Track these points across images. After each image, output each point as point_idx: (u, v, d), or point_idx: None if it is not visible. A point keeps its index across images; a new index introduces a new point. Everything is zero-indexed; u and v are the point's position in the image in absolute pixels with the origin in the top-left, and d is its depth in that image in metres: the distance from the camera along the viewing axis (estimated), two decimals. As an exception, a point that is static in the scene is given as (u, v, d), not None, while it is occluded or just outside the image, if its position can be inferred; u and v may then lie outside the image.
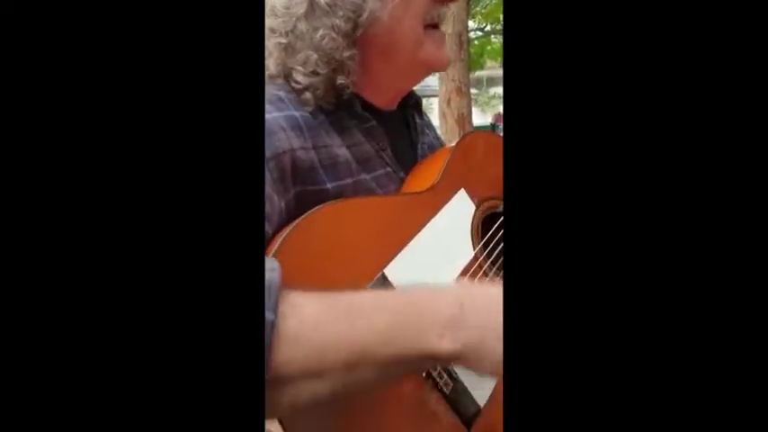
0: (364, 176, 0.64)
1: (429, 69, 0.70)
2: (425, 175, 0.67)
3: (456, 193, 0.65)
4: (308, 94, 0.62)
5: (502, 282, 0.56)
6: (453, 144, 0.73)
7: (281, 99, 0.61)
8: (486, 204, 0.70)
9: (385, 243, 0.55)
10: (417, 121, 0.79)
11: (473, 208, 0.67)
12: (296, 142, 0.57)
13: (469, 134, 0.74)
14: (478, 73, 13.34)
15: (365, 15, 0.60)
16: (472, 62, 6.69)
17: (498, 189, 0.72)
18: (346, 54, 0.61)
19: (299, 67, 0.62)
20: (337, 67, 0.61)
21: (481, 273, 0.65)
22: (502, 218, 0.69)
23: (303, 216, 0.52)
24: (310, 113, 0.62)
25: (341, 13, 0.60)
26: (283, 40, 0.62)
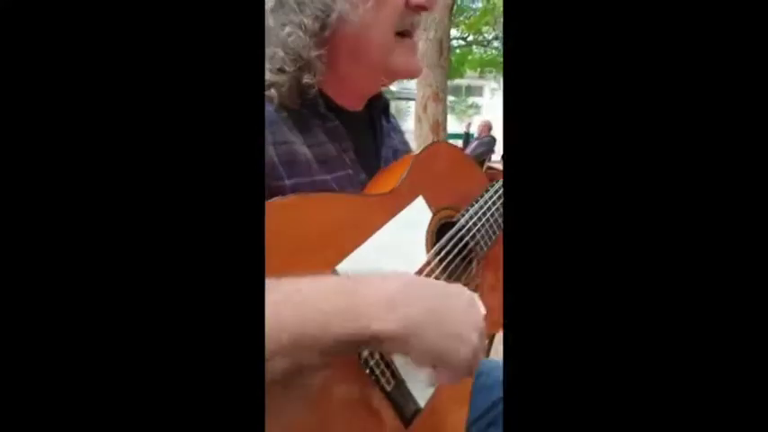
0: (324, 176, 0.64)
1: (398, 76, 0.71)
2: (387, 180, 0.69)
3: (415, 199, 0.68)
4: (272, 91, 0.62)
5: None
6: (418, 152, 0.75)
7: None
8: (443, 213, 0.72)
9: (340, 241, 0.57)
10: (384, 123, 0.80)
11: (430, 215, 0.69)
12: None
13: (434, 144, 0.76)
14: (458, 81, 13.50)
15: (334, 16, 0.61)
16: (452, 70, 6.76)
17: (456, 199, 0.75)
18: (314, 53, 0.62)
19: (266, 64, 0.62)
20: (304, 65, 0.62)
21: (432, 278, 0.67)
22: (456, 227, 0.72)
23: None
24: (273, 110, 0.62)
25: (309, 12, 0.60)
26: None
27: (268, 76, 0.62)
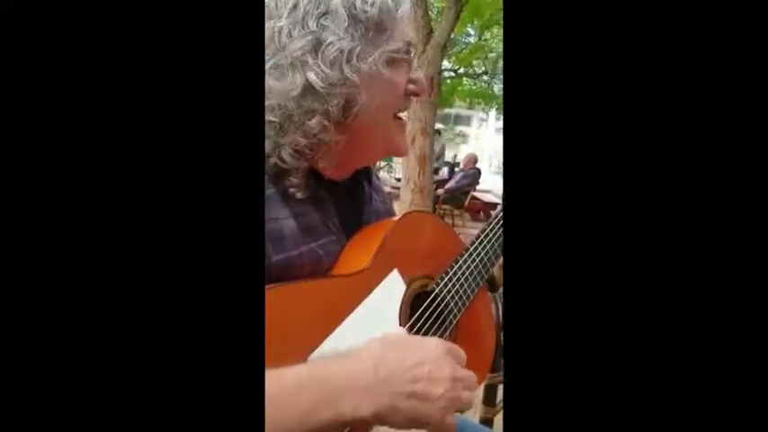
0: (310, 245, 0.66)
1: (390, 155, 0.75)
2: (362, 252, 0.69)
3: (389, 273, 0.68)
4: (270, 162, 0.63)
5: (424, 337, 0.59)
6: (395, 218, 0.76)
7: None
8: (418, 283, 0.72)
9: (313, 330, 0.57)
10: (366, 189, 0.81)
11: (404, 288, 0.70)
12: None
13: (409, 213, 0.77)
14: (447, 110, 13.76)
15: (357, 107, 0.63)
16: (442, 100, 6.88)
17: (431, 267, 0.75)
18: (334, 139, 0.64)
19: (286, 149, 0.63)
20: (324, 151, 0.64)
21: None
22: (430, 298, 0.72)
23: None
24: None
25: (335, 101, 0.61)
26: (274, 119, 0.62)
27: (288, 159, 0.63)
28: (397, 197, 4.62)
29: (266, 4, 0.61)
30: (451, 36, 4.70)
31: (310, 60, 0.59)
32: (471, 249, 0.79)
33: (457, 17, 4.31)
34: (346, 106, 0.63)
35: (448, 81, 8.88)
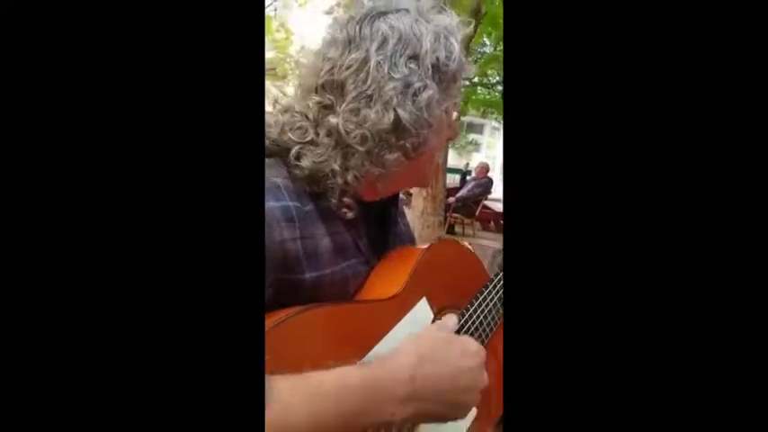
0: (341, 265, 0.68)
1: (417, 185, 0.82)
2: (391, 278, 0.70)
3: (419, 301, 0.69)
4: (332, 193, 0.66)
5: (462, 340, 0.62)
6: (424, 247, 0.77)
7: (278, 187, 0.63)
8: (444, 314, 0.73)
9: (345, 353, 0.58)
10: (393, 211, 0.83)
11: (431, 317, 0.70)
12: (286, 233, 0.61)
13: (438, 242, 0.78)
14: (460, 118, 13.81)
15: (426, 147, 0.69)
16: (456, 109, 6.89)
17: (457, 298, 0.76)
18: (399, 170, 0.68)
19: (355, 171, 0.66)
20: (387, 179, 0.69)
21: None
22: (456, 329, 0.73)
23: (268, 327, 0.54)
24: (300, 203, 0.64)
25: (412, 140, 0.66)
26: (361, 149, 0.65)
27: (351, 182, 0.66)
28: (408, 204, 4.62)
29: (341, 33, 0.66)
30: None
31: (399, 100, 0.64)
32: (496, 281, 0.80)
33: (475, 29, 4.32)
34: (420, 146, 0.68)
35: (462, 89, 8.88)
